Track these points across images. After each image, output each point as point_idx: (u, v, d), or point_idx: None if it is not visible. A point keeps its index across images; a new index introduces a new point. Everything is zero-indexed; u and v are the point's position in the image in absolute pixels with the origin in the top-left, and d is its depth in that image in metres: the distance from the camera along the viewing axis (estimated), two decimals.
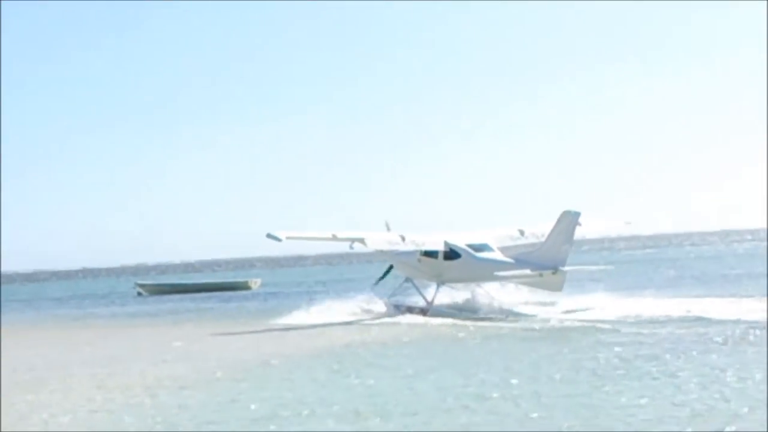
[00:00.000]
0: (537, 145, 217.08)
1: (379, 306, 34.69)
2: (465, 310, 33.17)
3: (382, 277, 36.97)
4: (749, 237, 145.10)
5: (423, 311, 33.69)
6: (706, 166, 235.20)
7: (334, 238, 34.05)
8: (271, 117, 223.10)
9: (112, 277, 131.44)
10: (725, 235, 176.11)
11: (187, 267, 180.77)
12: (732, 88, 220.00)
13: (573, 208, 32.87)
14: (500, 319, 30.91)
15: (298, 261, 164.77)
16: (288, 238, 33.37)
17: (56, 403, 17.71)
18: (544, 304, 32.73)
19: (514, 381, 17.69)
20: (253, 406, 16.20)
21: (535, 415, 14.49)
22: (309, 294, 38.56)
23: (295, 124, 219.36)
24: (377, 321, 32.23)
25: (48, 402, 17.86)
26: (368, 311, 34.33)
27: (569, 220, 32.34)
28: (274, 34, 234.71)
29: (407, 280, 36.11)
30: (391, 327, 30.07)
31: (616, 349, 21.72)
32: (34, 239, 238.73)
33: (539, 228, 34.87)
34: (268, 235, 33.01)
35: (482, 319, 31.11)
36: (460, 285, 34.90)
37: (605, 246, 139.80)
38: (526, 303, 33.31)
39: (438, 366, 20.42)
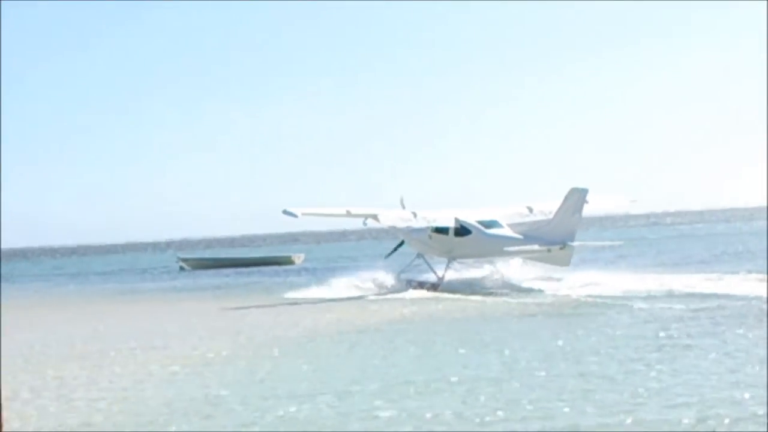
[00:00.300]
0: (546, 127, 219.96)
1: (390, 280, 35.28)
2: (475, 286, 33.72)
3: (393, 252, 37.66)
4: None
5: (434, 286, 34.28)
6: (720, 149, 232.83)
7: (348, 214, 34.86)
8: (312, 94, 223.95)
9: (156, 252, 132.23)
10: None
11: (232, 242, 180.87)
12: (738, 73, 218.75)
13: (580, 185, 33.44)
14: (509, 294, 31.48)
15: (342, 236, 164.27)
16: (304, 214, 34.15)
17: (116, 375, 17.90)
18: (550, 279, 33.47)
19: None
20: (318, 379, 16.28)
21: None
22: (347, 269, 38.80)
23: (332, 106, 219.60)
24: (402, 296, 32.33)
25: (106, 374, 18.01)
26: (381, 285, 34.87)
27: (577, 196, 33.00)
28: (291, 21, 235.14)
29: (419, 256, 36.61)
30: (426, 303, 30.14)
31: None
32: (80, 214, 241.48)
33: (547, 205, 35.46)
34: (284, 212, 33.95)
35: (493, 294, 31.77)
36: (470, 261, 35.73)
37: (652, 221, 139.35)
38: (535, 278, 33.96)
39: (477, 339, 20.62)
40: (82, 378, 17.67)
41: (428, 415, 13.15)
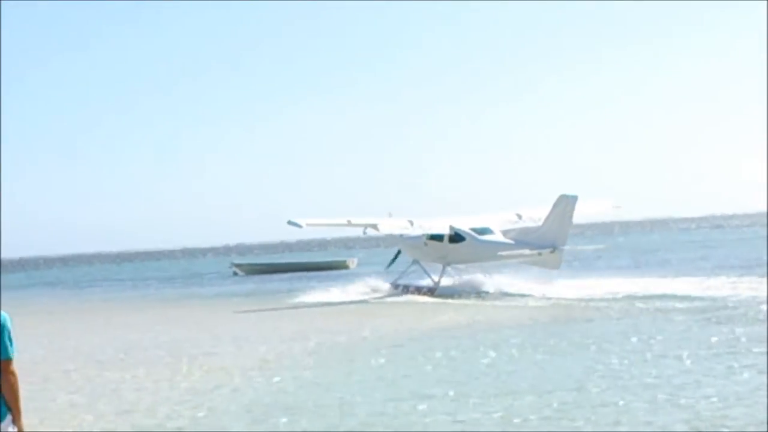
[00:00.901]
0: (534, 137, 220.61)
1: (387, 286, 37.45)
2: (470, 290, 35.14)
3: (392, 262, 39.95)
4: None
5: (431, 291, 35.96)
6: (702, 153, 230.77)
7: (349, 223, 36.78)
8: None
9: (208, 257, 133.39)
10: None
11: (286, 247, 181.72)
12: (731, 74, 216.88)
13: (569, 192, 34.83)
14: (504, 298, 32.95)
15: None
16: (308, 224, 36.23)
17: (197, 380, 17.99)
18: (542, 283, 34.52)
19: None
20: (397, 384, 16.26)
21: None
22: (395, 274, 39.49)
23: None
24: (418, 300, 34.31)
25: (185, 379, 18.12)
26: (377, 290, 37.07)
27: (566, 203, 34.56)
28: (283, 29, 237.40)
29: (414, 262, 38.57)
30: (463, 308, 30.66)
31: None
32: (136, 221, 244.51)
33: (536, 212, 37.32)
34: (290, 222, 35.56)
35: (488, 298, 33.15)
36: (463, 266, 37.41)
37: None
38: (525, 281, 35.19)
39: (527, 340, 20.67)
40: (164, 385, 17.75)
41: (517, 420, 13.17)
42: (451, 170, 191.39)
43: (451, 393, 15.21)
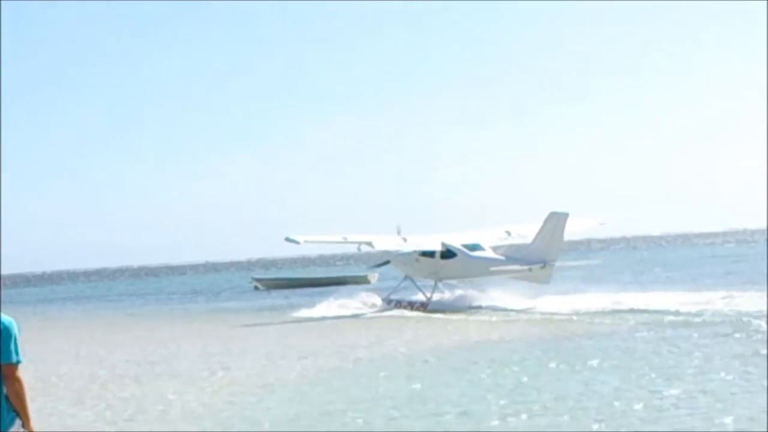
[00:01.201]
0: (525, 156, 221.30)
1: (378, 300, 38.69)
2: (461, 305, 35.99)
3: (379, 266, 42.67)
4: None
5: (423, 306, 36.86)
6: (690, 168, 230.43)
7: (345, 240, 38.10)
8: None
9: (231, 272, 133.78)
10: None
11: (307, 261, 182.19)
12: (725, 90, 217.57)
13: (560, 209, 35.85)
14: (494, 312, 33.62)
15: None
16: (305, 241, 37.30)
17: (230, 393, 18.14)
18: (531, 297, 35.14)
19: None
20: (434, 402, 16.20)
21: None
22: (415, 288, 39.96)
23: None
24: (409, 315, 35.06)
25: (209, 394, 18.23)
26: (372, 305, 38.06)
27: (556, 220, 35.39)
28: (280, 50, 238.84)
29: (406, 278, 39.63)
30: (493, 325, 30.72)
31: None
32: (160, 236, 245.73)
33: (524, 229, 38.58)
34: (287, 239, 36.76)
35: (478, 312, 33.92)
36: (455, 282, 38.46)
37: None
38: (515, 295, 35.93)
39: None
40: (188, 395, 17.98)
41: None
42: (447, 187, 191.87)
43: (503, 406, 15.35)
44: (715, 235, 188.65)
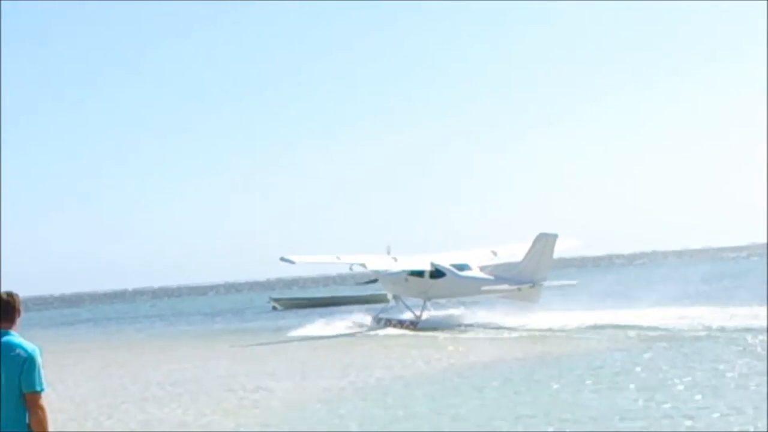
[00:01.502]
0: (512, 177, 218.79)
1: (368, 320, 39.56)
2: (449, 323, 36.73)
3: (367, 283, 44.41)
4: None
5: (413, 324, 37.44)
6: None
7: (338, 260, 38.75)
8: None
9: (252, 291, 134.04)
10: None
11: (327, 280, 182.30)
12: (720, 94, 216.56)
13: (549, 230, 36.39)
14: (485, 330, 34.15)
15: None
16: (300, 261, 38.48)
17: (260, 411, 18.52)
18: (518, 315, 35.61)
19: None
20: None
21: None
22: (435, 306, 40.43)
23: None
24: (407, 333, 35.82)
25: (231, 415, 18.45)
26: (362, 325, 38.89)
27: (545, 241, 35.92)
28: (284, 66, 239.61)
29: (395, 297, 40.41)
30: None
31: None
32: (179, 256, 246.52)
33: (511, 249, 39.36)
34: (282, 259, 37.62)
35: (469, 330, 34.46)
36: (443, 301, 39.29)
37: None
38: (505, 314, 36.43)
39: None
40: (209, 416, 18.22)
41: None
42: (431, 212, 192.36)
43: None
44: (740, 249, 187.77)
